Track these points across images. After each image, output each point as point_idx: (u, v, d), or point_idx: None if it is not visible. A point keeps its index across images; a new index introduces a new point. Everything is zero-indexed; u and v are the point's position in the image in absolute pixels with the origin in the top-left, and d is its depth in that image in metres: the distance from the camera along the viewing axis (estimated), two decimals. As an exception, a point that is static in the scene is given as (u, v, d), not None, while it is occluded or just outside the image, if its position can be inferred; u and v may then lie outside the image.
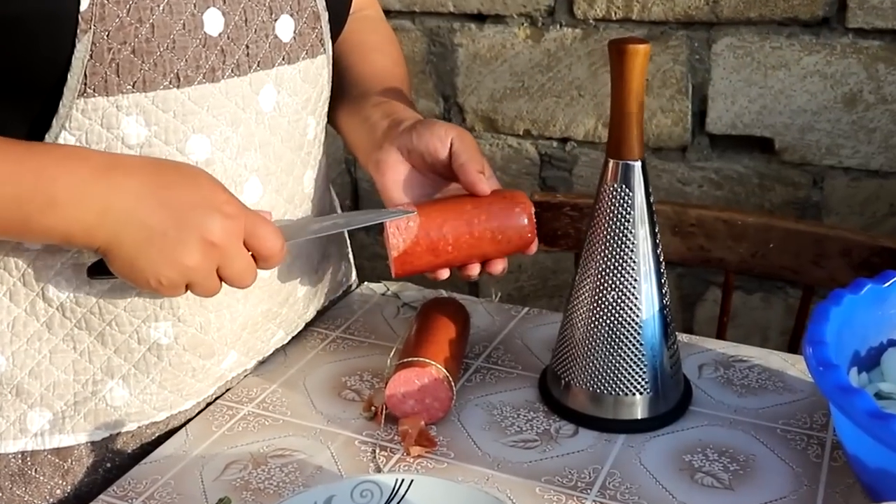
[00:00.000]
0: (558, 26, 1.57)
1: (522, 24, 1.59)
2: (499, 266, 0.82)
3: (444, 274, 0.81)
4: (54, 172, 0.65)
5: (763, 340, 1.59)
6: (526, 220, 0.80)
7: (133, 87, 0.67)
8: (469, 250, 0.80)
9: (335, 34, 0.83)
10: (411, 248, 0.78)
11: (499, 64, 1.63)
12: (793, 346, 1.11)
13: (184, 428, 0.82)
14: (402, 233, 0.78)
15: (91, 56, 0.65)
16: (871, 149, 1.42)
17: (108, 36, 0.65)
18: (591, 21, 1.54)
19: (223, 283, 0.71)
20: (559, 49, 1.58)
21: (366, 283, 1.08)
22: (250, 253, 0.71)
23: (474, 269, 0.81)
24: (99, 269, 0.71)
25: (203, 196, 0.68)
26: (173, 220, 0.66)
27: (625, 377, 0.79)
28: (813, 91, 1.42)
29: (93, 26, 0.64)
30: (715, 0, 1.42)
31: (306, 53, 0.79)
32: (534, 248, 0.82)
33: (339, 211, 1.02)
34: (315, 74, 0.81)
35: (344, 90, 0.90)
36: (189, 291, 0.70)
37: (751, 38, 1.43)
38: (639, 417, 0.80)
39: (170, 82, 0.69)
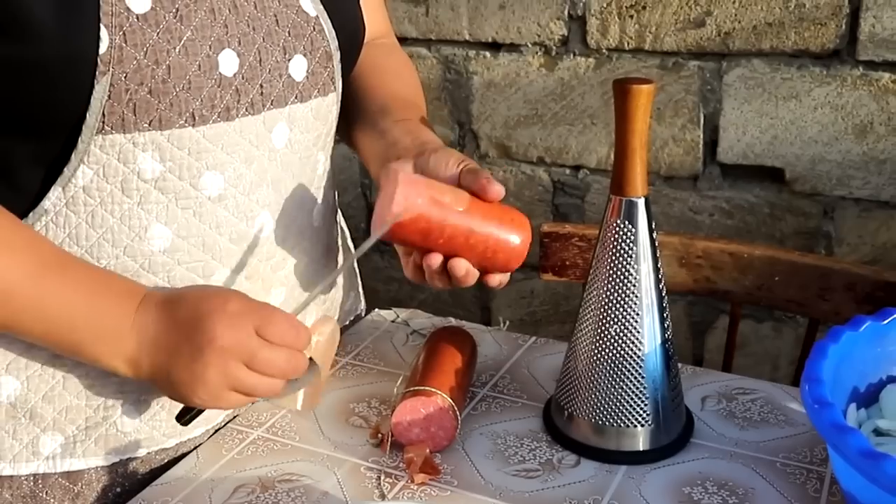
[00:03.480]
0: (572, 55, 1.59)
1: (536, 52, 1.61)
2: (495, 280, 0.81)
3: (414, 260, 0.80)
4: (106, 305, 0.70)
5: (773, 370, 1.59)
6: (519, 242, 0.79)
7: (149, 125, 0.70)
8: (456, 251, 0.78)
9: (346, 71, 0.85)
10: (407, 221, 0.75)
11: (513, 92, 1.65)
12: (798, 378, 1.11)
13: (195, 451, 0.84)
14: (405, 201, 0.74)
15: (109, 96, 0.67)
16: (881, 180, 1.42)
17: (125, 77, 0.67)
18: (603, 50, 1.55)
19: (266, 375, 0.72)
20: (572, 78, 1.59)
21: (376, 309, 1.09)
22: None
23: (463, 271, 0.78)
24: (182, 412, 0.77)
25: (207, 306, 0.70)
26: (184, 338, 0.70)
27: (627, 409, 0.80)
28: (824, 122, 1.43)
29: (111, 68, 0.66)
30: (727, 31, 1.44)
31: (318, 92, 0.81)
32: (514, 265, 0.80)
33: (348, 240, 1.04)
34: (326, 112, 0.84)
35: (362, 108, 0.91)
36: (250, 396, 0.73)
37: (762, 69, 1.45)
38: (640, 449, 0.81)
39: (185, 121, 0.71)
